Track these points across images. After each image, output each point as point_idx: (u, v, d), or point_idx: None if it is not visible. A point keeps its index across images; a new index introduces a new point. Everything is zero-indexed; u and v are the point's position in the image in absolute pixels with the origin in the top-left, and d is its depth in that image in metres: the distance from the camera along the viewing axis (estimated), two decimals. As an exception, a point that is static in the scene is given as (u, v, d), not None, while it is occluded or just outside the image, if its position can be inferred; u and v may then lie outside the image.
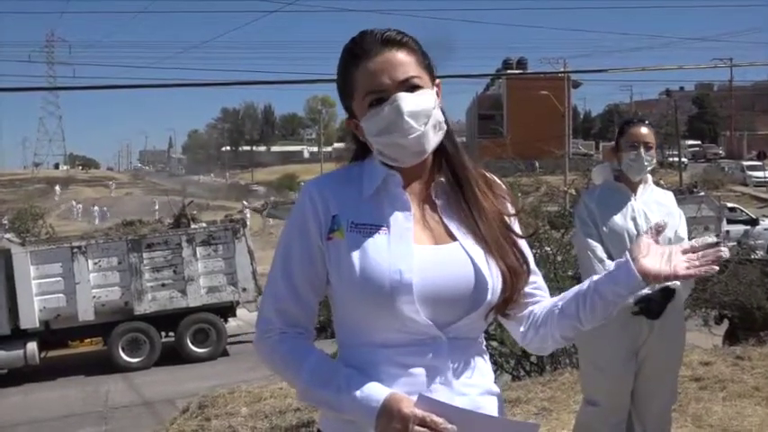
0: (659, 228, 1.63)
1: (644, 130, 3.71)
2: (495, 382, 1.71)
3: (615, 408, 3.70)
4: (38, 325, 14.64)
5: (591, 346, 3.78)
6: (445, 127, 1.65)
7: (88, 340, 16.18)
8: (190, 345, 15.59)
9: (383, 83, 1.58)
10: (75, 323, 14.89)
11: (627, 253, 1.62)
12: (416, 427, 1.43)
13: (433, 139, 1.61)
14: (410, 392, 1.51)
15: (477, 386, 1.62)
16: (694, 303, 8.65)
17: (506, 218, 1.69)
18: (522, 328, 1.72)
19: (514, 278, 1.62)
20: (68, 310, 14.79)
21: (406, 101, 1.57)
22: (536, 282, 1.74)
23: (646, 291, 3.53)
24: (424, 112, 1.59)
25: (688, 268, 1.57)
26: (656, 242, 1.61)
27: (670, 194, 3.85)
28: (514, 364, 7.96)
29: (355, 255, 1.56)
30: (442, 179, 1.67)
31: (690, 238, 3.79)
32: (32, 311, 14.54)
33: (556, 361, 7.64)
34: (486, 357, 1.69)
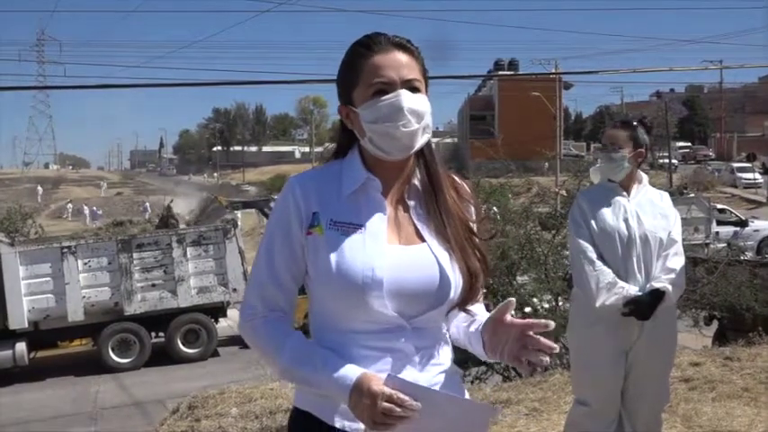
0: (510, 305, 1.73)
1: (613, 131, 3.75)
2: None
3: (606, 408, 3.70)
4: (27, 325, 14.55)
5: (582, 346, 3.78)
6: (431, 133, 1.80)
7: (78, 341, 16.09)
8: (180, 345, 15.54)
9: (390, 76, 1.73)
10: (65, 323, 14.81)
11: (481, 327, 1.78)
12: (384, 403, 1.57)
13: (421, 141, 1.76)
14: (378, 373, 1.65)
15: (438, 366, 1.77)
16: (684, 304, 8.68)
17: (470, 223, 1.85)
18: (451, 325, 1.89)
19: (475, 279, 1.78)
20: (58, 311, 14.71)
21: (408, 98, 1.73)
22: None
23: (635, 292, 3.54)
24: (421, 112, 1.74)
25: (516, 358, 1.69)
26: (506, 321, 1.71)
27: (666, 195, 3.83)
28: (505, 364, 7.97)
29: (333, 251, 1.72)
30: (416, 182, 1.82)
31: (682, 239, 3.82)
32: (21, 312, 14.46)
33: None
34: (447, 343, 1.85)
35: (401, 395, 1.58)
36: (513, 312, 1.73)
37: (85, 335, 15.65)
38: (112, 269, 15.09)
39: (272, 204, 19.50)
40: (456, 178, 1.91)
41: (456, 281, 1.75)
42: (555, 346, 1.66)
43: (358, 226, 1.74)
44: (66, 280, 14.67)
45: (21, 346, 14.46)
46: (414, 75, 1.76)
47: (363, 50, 1.77)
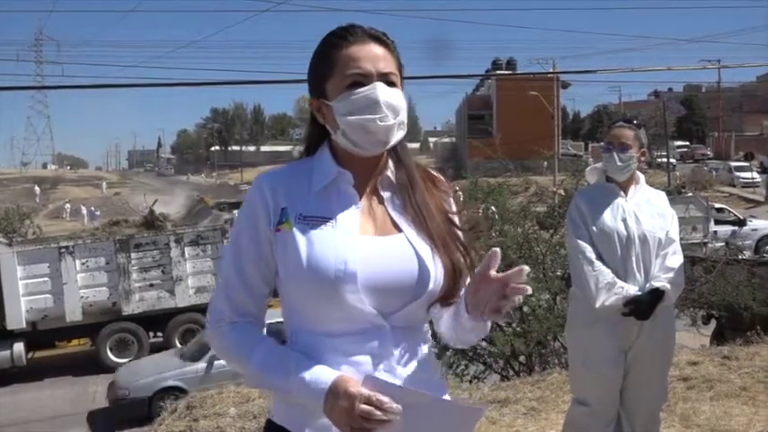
0: (495, 257, 1.62)
1: (620, 130, 3.71)
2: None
3: (604, 408, 3.70)
4: (25, 325, 14.57)
5: (581, 345, 3.78)
6: (406, 130, 1.72)
7: (76, 341, 16.10)
8: (178, 345, 15.54)
9: (367, 68, 1.66)
10: (63, 323, 14.83)
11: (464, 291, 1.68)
12: (362, 406, 1.48)
13: (396, 137, 1.69)
14: (356, 376, 1.56)
15: (418, 367, 1.67)
16: (682, 303, 8.70)
17: (450, 215, 1.77)
18: (439, 323, 1.76)
19: (458, 272, 1.69)
20: (56, 311, 14.72)
21: (385, 91, 1.66)
22: None
23: (635, 292, 3.54)
24: (397, 107, 1.67)
25: (496, 310, 1.60)
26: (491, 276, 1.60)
27: (663, 195, 3.84)
28: (503, 364, 7.98)
29: (302, 246, 1.63)
30: (389, 174, 1.75)
31: (680, 239, 3.82)
32: (19, 312, 14.46)
33: (545, 361, 7.67)
34: (429, 346, 1.75)
35: (381, 397, 1.49)
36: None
37: (83, 335, 15.66)
38: (110, 269, 15.10)
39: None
40: (431, 171, 1.84)
41: (436, 272, 1.66)
42: (529, 289, 1.58)
43: (328, 219, 1.66)
44: (64, 280, 14.68)
45: (19, 347, 14.46)
46: (390, 68, 1.69)
47: (338, 41, 1.69)
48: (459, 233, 1.75)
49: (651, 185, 3.97)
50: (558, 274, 8.19)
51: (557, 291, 8.01)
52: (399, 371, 1.64)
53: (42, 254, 14.87)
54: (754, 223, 24.89)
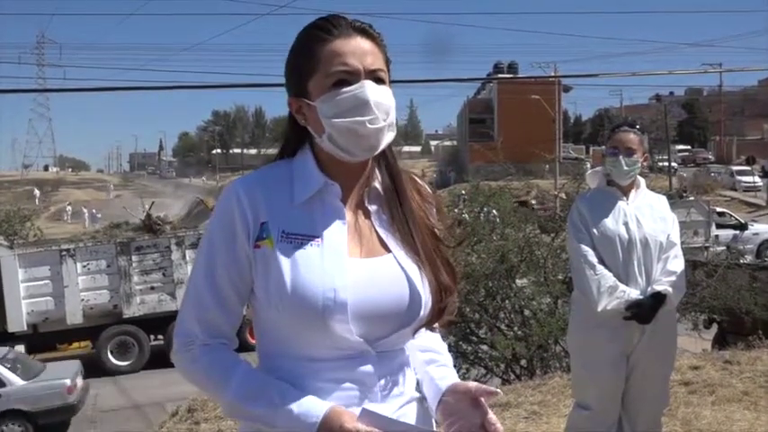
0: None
1: (626, 135, 3.71)
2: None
3: (606, 412, 3.70)
4: (25, 328, 14.57)
5: (582, 350, 3.78)
6: (395, 132, 1.58)
7: (76, 343, 16.09)
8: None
9: (352, 64, 1.51)
10: (64, 326, 14.82)
11: (442, 394, 1.60)
12: None
13: (386, 139, 1.55)
14: (344, 406, 1.46)
15: (403, 396, 1.57)
16: (684, 308, 8.68)
17: (435, 229, 1.63)
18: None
19: (446, 294, 1.57)
20: (57, 314, 14.72)
21: (374, 90, 1.51)
22: None
23: (637, 296, 3.54)
24: (387, 107, 1.53)
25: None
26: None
27: (663, 199, 3.85)
28: (504, 367, 7.98)
29: (286, 268, 1.48)
30: (377, 185, 1.60)
31: (681, 243, 3.83)
32: (20, 315, 14.47)
33: (546, 365, 7.66)
34: (410, 366, 1.64)
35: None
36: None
37: (84, 338, 15.66)
38: (111, 272, 15.09)
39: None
40: (417, 179, 1.69)
41: (426, 296, 1.53)
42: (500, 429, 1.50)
43: (314, 237, 1.50)
44: (65, 283, 14.68)
45: (19, 349, 14.44)
46: (378, 64, 1.53)
47: (321, 34, 1.53)
48: (447, 251, 1.62)
49: (653, 190, 3.98)
50: (560, 277, 8.19)
51: (558, 294, 8.00)
52: (382, 400, 1.52)
53: (43, 256, 14.88)
54: (755, 227, 24.89)
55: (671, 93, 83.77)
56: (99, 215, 47.93)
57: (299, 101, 1.56)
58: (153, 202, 20.95)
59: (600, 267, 3.57)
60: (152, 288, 15.30)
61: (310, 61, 1.53)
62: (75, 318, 14.76)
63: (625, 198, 3.70)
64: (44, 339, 15.08)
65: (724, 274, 9.59)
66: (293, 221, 1.52)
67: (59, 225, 44.43)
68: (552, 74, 46.05)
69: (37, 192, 62.26)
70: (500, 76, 64.60)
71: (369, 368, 1.51)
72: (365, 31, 1.55)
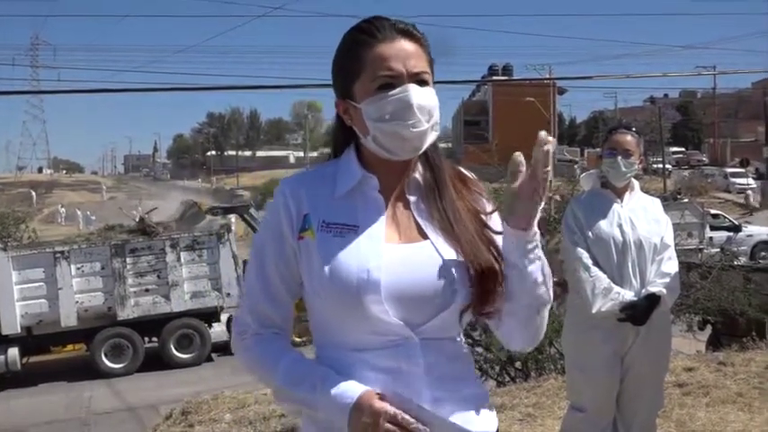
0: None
1: (624, 137, 3.73)
2: (478, 384, 1.68)
3: (601, 413, 3.70)
4: (19, 330, 14.49)
5: (577, 351, 3.79)
6: (439, 131, 1.62)
7: (71, 346, 16.03)
8: (173, 350, 15.49)
9: (396, 68, 1.55)
10: (58, 329, 14.74)
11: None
12: (387, 424, 1.44)
13: (429, 140, 1.60)
14: (384, 393, 1.51)
15: (451, 387, 1.57)
16: (678, 309, 8.68)
17: (482, 216, 1.65)
18: (498, 328, 1.67)
19: (489, 277, 1.56)
20: (51, 316, 14.65)
21: (417, 93, 1.55)
22: None
23: (631, 298, 3.55)
24: (430, 108, 1.57)
25: (528, 195, 1.51)
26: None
27: (657, 201, 3.87)
28: (499, 369, 7.97)
29: (325, 254, 1.55)
30: (417, 176, 1.65)
31: (675, 245, 3.84)
32: (14, 317, 14.40)
33: (541, 367, 7.65)
34: (465, 356, 1.65)
35: (407, 416, 1.45)
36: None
37: (78, 340, 15.58)
38: (106, 274, 15.03)
39: (251, 210, 19.49)
40: (463, 170, 1.73)
41: (464, 280, 1.54)
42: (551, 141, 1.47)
43: (352, 226, 1.57)
44: (60, 285, 14.61)
45: (13, 352, 14.40)
46: (422, 66, 1.58)
47: (366, 38, 1.57)
48: (493, 235, 1.62)
49: (647, 192, 3.99)
50: (555, 280, 8.19)
51: (552, 297, 8.00)
52: (429, 386, 1.54)
53: (37, 258, 14.81)
54: (749, 229, 24.96)
55: (665, 95, 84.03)
56: (93, 217, 47.89)
57: (346, 102, 1.62)
58: (156, 208, 20.90)
59: (594, 269, 3.59)
60: (146, 290, 15.25)
61: (355, 64, 1.58)
62: (69, 320, 14.70)
63: (619, 200, 3.72)
64: (38, 342, 15.02)
65: (718, 275, 9.60)
66: (333, 212, 1.59)
67: (53, 227, 44.34)
68: (547, 76, 46.11)
69: (33, 193, 62.15)
70: (495, 78, 64.76)
71: (412, 356, 1.53)
72: (408, 33, 1.60)
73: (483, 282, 1.56)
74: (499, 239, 1.61)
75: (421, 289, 1.54)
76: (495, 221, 1.65)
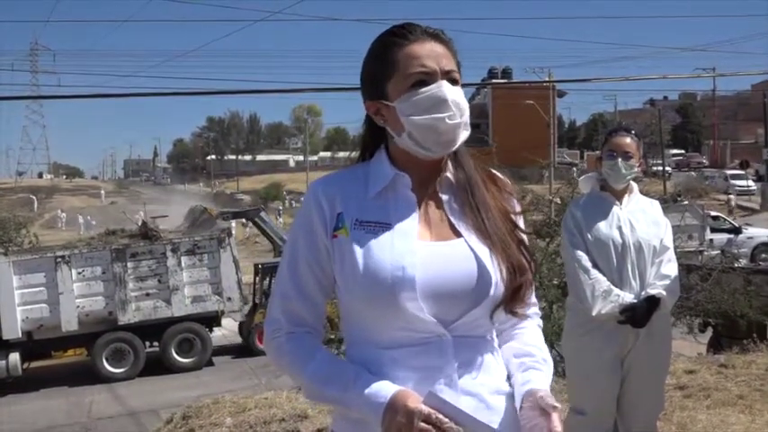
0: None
1: (624, 139, 3.74)
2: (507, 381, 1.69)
3: (601, 416, 3.70)
4: (20, 335, 14.52)
5: (577, 354, 3.78)
6: (469, 130, 1.66)
7: (72, 351, 16.04)
8: (174, 355, 15.50)
9: (430, 66, 1.60)
10: (59, 333, 14.78)
11: (522, 400, 1.62)
12: (421, 424, 1.42)
13: (462, 136, 1.63)
14: (417, 392, 1.50)
15: (484, 385, 1.59)
16: (679, 311, 8.69)
17: (512, 215, 1.70)
18: (502, 351, 1.72)
19: (520, 274, 1.61)
20: (52, 321, 14.68)
21: (450, 89, 1.60)
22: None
23: (631, 300, 3.55)
24: (463, 106, 1.62)
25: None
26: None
27: (656, 203, 3.87)
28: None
29: (358, 252, 1.57)
30: (449, 175, 1.68)
31: (674, 247, 3.84)
32: (15, 322, 14.42)
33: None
34: (497, 355, 1.67)
35: (440, 416, 1.43)
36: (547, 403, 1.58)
37: (80, 345, 15.61)
38: (107, 278, 15.06)
39: (262, 214, 19.53)
40: (493, 171, 1.76)
41: (497, 276, 1.58)
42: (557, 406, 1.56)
43: (386, 224, 1.59)
44: (60, 290, 14.64)
45: (14, 357, 14.41)
46: (452, 66, 1.63)
47: (398, 40, 1.62)
48: (522, 235, 1.69)
49: (647, 194, 4.00)
50: (555, 282, 8.19)
51: (553, 299, 8.01)
52: (461, 384, 1.56)
53: (38, 263, 14.84)
54: (749, 231, 24.94)
55: (665, 97, 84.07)
56: (94, 222, 47.89)
57: (378, 103, 1.65)
58: (166, 216, 20.88)
59: (594, 272, 3.59)
60: (147, 294, 15.26)
61: (389, 65, 1.62)
62: (70, 325, 14.71)
63: (618, 203, 3.72)
64: (39, 347, 15.04)
65: (718, 277, 9.61)
66: (366, 211, 1.62)
67: (54, 232, 44.36)
68: (546, 79, 46.12)
69: (34, 199, 62.17)
70: (494, 81, 64.76)
71: (445, 354, 1.55)
72: (438, 36, 1.65)
73: (514, 279, 1.60)
74: (526, 240, 1.70)
75: (454, 286, 1.56)
76: (521, 220, 1.73)
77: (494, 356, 1.65)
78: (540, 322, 1.80)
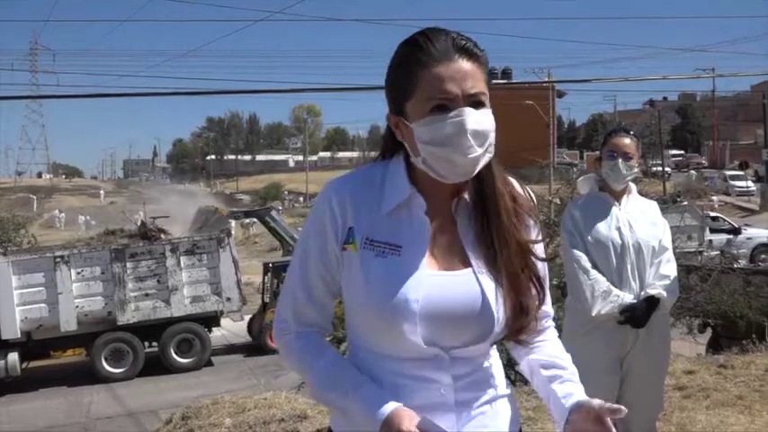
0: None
1: (624, 140, 3.74)
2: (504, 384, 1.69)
3: (600, 417, 3.70)
4: (19, 335, 14.51)
5: (576, 354, 3.76)
6: (493, 152, 1.56)
7: (71, 351, 16.03)
8: (174, 355, 15.50)
9: (452, 91, 1.49)
10: (58, 333, 14.77)
11: (569, 413, 1.62)
12: None
13: (482, 163, 1.54)
14: (414, 404, 1.51)
15: (479, 392, 1.60)
16: (678, 312, 8.69)
17: (530, 244, 1.63)
18: (522, 361, 1.74)
19: (524, 315, 1.59)
20: (51, 321, 14.67)
21: (472, 118, 1.49)
22: (544, 309, 1.72)
23: (631, 300, 3.56)
24: (485, 133, 1.52)
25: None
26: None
27: (654, 204, 3.88)
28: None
29: (365, 274, 1.55)
30: (466, 197, 1.60)
31: (673, 247, 3.84)
32: (14, 322, 14.41)
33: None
34: (495, 362, 1.66)
35: None
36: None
37: (78, 345, 15.59)
38: (106, 279, 15.05)
39: (272, 213, 19.53)
40: (516, 185, 1.67)
41: (499, 315, 1.55)
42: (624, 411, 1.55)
43: (395, 247, 1.54)
44: (59, 290, 14.62)
45: (13, 357, 14.40)
46: (479, 87, 1.51)
47: (422, 57, 1.51)
48: (537, 264, 1.63)
49: (647, 195, 4.00)
50: (554, 283, 8.19)
51: (552, 300, 8.00)
52: (456, 392, 1.56)
53: (37, 263, 14.83)
54: (748, 232, 24.96)
55: (664, 98, 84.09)
56: (93, 222, 47.88)
57: (398, 119, 1.57)
58: (167, 216, 20.87)
59: (593, 272, 3.59)
60: (146, 295, 15.26)
61: (409, 83, 1.53)
62: (69, 325, 14.70)
63: (617, 203, 3.72)
64: (38, 346, 15.02)
65: (718, 278, 9.60)
66: (377, 229, 1.57)
67: (53, 232, 44.35)
68: (546, 79, 46.11)
69: (34, 199, 62.15)
70: (494, 81, 64.71)
71: (443, 369, 1.55)
72: (467, 51, 1.53)
73: (517, 321, 1.58)
74: (542, 267, 1.65)
75: (457, 321, 1.54)
76: (539, 247, 1.67)
77: (490, 363, 1.65)
78: (556, 333, 1.81)
